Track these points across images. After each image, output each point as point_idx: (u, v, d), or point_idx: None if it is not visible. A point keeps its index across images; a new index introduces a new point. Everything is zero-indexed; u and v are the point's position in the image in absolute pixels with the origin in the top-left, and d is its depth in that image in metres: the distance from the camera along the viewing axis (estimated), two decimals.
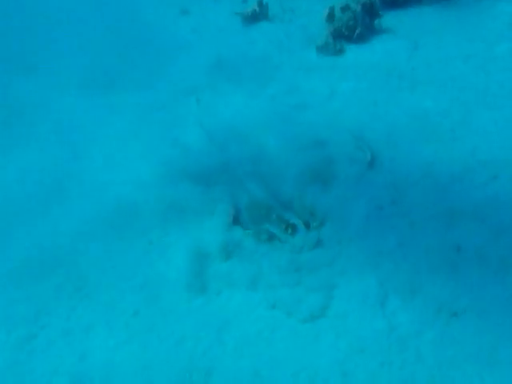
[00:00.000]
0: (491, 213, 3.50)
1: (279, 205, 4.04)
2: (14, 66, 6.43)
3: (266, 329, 3.25)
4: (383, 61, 5.52)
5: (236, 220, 4.02)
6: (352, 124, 4.64)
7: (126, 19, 7.19)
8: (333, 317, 3.18)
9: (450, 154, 4.07)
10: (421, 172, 3.97)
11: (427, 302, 3.13)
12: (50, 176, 4.82)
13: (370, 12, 6.08)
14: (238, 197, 4.19)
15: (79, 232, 4.23)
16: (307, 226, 3.78)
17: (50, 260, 4.05)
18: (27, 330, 3.64)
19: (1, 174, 4.92)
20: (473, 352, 2.87)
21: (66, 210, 4.46)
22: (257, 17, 6.75)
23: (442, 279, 3.22)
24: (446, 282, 3.20)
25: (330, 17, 6.11)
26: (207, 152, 4.75)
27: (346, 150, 4.32)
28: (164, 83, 5.90)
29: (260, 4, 6.77)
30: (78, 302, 3.74)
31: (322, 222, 3.81)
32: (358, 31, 5.97)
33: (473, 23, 5.69)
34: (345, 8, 6.07)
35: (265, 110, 5.18)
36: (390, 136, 4.41)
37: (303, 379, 2.91)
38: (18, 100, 5.93)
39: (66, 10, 7.44)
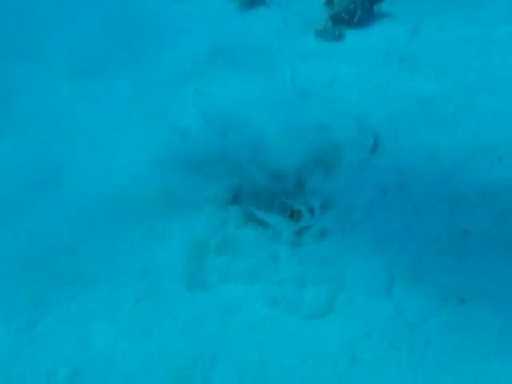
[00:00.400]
0: (497, 197, 3.44)
1: (282, 191, 3.99)
2: (9, 54, 6.31)
3: (270, 316, 3.21)
4: (383, 45, 5.44)
5: (237, 208, 3.96)
6: (353, 109, 4.58)
7: (120, 6, 7.05)
8: (339, 303, 3.14)
9: (454, 137, 4.01)
10: (424, 156, 3.91)
11: (434, 287, 3.08)
12: (44, 164, 4.74)
13: None
14: (239, 184, 4.13)
15: (76, 220, 4.17)
16: (311, 211, 3.73)
17: (48, 248, 3.99)
18: (27, 318, 3.59)
19: None
20: (482, 337, 2.83)
21: (61, 198, 4.39)
22: (254, 1, 6.63)
23: (449, 264, 3.17)
24: (453, 267, 3.15)
25: (329, 1, 6.01)
26: (206, 138, 4.68)
27: (349, 135, 4.26)
28: (160, 69, 5.80)
29: None
30: (78, 290, 3.69)
31: (325, 207, 3.75)
32: (358, 15, 5.87)
33: (473, 6, 5.60)
34: None
35: (264, 96, 5.10)
36: (391, 120, 4.35)
37: (311, 365, 2.87)
38: (13, 88, 5.83)
39: None
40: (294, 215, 3.72)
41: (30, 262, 3.91)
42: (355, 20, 5.91)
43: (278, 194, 3.95)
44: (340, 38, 5.84)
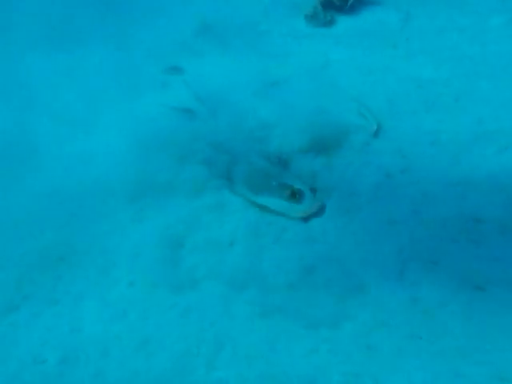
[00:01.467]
0: (508, 183, 3.27)
1: (278, 173, 3.72)
2: None
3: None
4: (376, 31, 5.23)
5: (231, 190, 3.68)
6: (351, 92, 4.34)
7: None
8: (350, 287, 2.90)
9: (457, 123, 3.83)
10: (428, 140, 3.72)
11: (449, 274, 2.88)
12: (19, 139, 4.36)
13: None
14: (232, 166, 3.84)
15: (57, 200, 3.83)
16: (313, 191, 3.47)
17: (28, 226, 3.64)
18: (8, 300, 3.24)
19: None
20: (503, 324, 2.65)
21: (41, 176, 4.04)
22: None
23: (463, 250, 2.97)
24: (467, 253, 2.96)
25: None
26: (194, 118, 4.37)
27: (349, 118, 4.03)
28: (141, 44, 5.42)
29: None
30: (65, 271, 3.36)
31: (328, 190, 3.50)
32: (351, 2, 5.63)
33: None
34: None
35: (256, 77, 4.81)
36: (391, 105, 4.14)
37: (324, 353, 2.63)
38: None
39: None
40: (295, 195, 3.44)
41: (8, 241, 3.55)
42: (348, 6, 5.67)
43: (275, 176, 3.68)
44: (331, 23, 5.59)
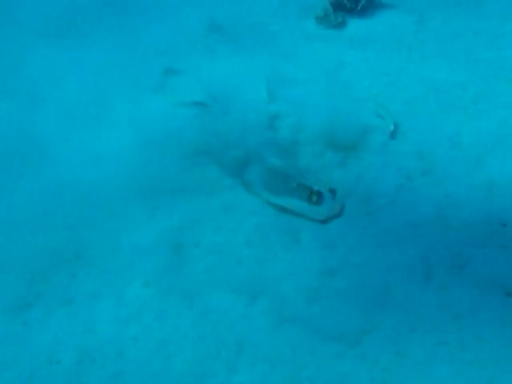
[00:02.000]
0: None
1: (294, 172, 3.58)
2: None
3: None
4: (390, 33, 5.09)
5: (246, 190, 3.54)
6: (367, 93, 4.22)
7: None
8: (376, 292, 2.76)
9: (477, 125, 3.70)
10: (448, 143, 3.59)
11: (477, 278, 2.75)
12: (25, 135, 4.19)
13: None
14: (246, 164, 3.70)
15: (69, 197, 3.68)
16: (333, 193, 3.32)
17: (39, 223, 3.49)
18: (21, 299, 3.09)
19: None
20: None
21: (48, 174, 3.88)
22: None
23: (490, 255, 2.84)
24: (494, 257, 2.83)
25: None
26: (206, 117, 4.23)
27: (365, 119, 3.90)
28: (152, 42, 5.25)
29: None
30: (79, 270, 3.21)
31: (347, 191, 3.36)
32: (362, 3, 5.50)
33: (478, 1, 5.32)
34: None
35: (268, 76, 4.66)
36: (408, 106, 4.01)
37: (350, 359, 2.49)
38: None
39: None
40: (314, 197, 3.29)
41: (19, 239, 3.40)
42: (359, 8, 5.55)
43: (290, 175, 3.54)
44: (342, 25, 5.46)
